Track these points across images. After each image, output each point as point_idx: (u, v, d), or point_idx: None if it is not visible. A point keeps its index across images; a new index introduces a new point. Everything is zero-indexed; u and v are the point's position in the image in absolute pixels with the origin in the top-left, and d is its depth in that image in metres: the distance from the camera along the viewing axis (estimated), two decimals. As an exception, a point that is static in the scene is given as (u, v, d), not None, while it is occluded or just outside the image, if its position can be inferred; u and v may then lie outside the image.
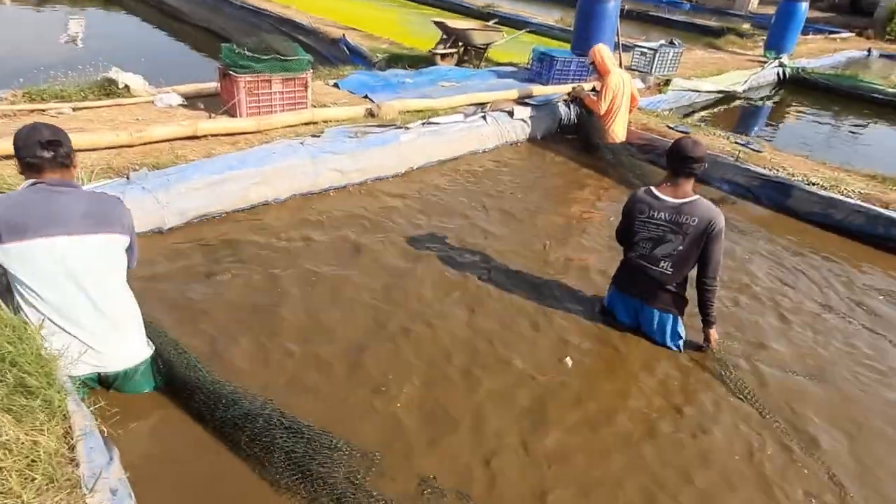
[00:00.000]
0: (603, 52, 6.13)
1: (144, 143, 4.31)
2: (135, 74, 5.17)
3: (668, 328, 3.27)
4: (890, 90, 11.32)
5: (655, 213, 3.10)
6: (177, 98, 5.13)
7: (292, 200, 4.46)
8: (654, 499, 2.43)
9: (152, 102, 5.05)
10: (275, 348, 2.97)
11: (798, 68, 12.16)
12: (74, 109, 4.66)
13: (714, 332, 3.30)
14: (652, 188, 3.18)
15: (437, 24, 8.18)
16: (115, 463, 1.96)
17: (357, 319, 3.27)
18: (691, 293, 3.25)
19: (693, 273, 3.21)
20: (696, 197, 3.09)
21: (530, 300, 3.63)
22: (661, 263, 3.14)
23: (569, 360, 3.14)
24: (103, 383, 2.55)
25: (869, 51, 16.86)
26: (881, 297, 4.21)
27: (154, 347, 2.61)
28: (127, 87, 5.07)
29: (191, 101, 5.23)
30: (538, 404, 2.85)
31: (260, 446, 2.34)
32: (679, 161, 3.06)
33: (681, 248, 3.07)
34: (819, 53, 14.32)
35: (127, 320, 2.49)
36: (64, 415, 2.06)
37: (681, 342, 3.30)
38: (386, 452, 2.45)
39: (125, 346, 2.49)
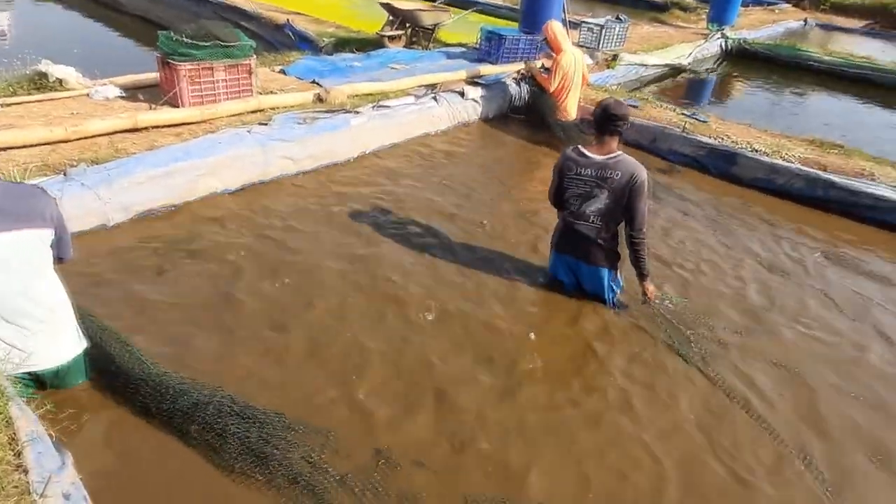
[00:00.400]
0: (556, 28, 6.14)
1: (82, 138, 4.13)
2: (67, 67, 4.93)
3: (605, 283, 3.43)
4: (827, 58, 11.73)
5: (582, 170, 3.24)
6: (114, 90, 4.93)
7: (242, 191, 4.36)
8: (613, 461, 2.51)
9: (88, 95, 4.83)
10: (232, 341, 2.92)
11: (740, 40, 12.46)
12: (3, 105, 4.42)
13: (650, 286, 3.44)
14: (580, 147, 3.32)
15: (384, 5, 8.05)
16: (69, 467, 1.89)
17: (316, 306, 3.24)
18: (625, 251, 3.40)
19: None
20: (620, 153, 3.24)
21: (489, 275, 3.68)
22: (591, 219, 3.29)
23: (532, 335, 3.19)
24: (38, 382, 2.46)
25: (805, 21, 17.42)
26: (817, 255, 4.42)
27: (87, 342, 2.54)
28: (60, 80, 4.83)
29: (130, 92, 5.03)
30: (500, 376, 2.89)
31: (212, 434, 2.32)
32: (605, 120, 3.20)
33: (607, 202, 3.22)
34: (759, 25, 14.72)
35: (55, 318, 2.39)
36: (7, 421, 1.99)
37: (613, 296, 3.47)
38: (345, 430, 2.47)
39: (55, 344, 2.41)
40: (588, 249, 3.37)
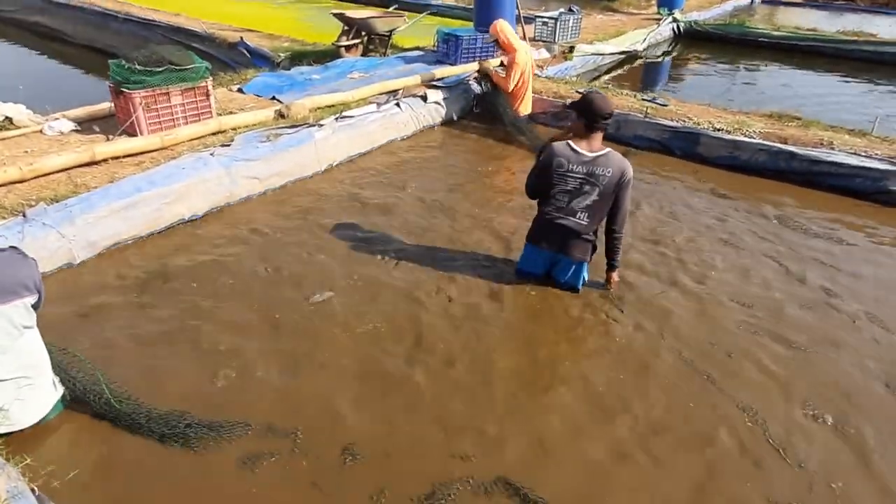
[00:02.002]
0: (505, 28, 6.13)
1: (38, 176, 4.00)
2: (16, 104, 4.79)
3: (581, 274, 3.50)
4: (775, 33, 12.03)
5: (574, 167, 3.21)
6: (68, 124, 4.79)
7: (211, 215, 4.27)
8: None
9: (41, 132, 4.69)
10: (217, 370, 2.85)
11: (690, 22, 12.71)
12: (-48, 150, 4.27)
13: (616, 276, 3.56)
14: (569, 143, 3.27)
15: (337, 15, 8.00)
16: (53, 521, 1.83)
17: (295, 323, 3.19)
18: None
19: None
20: (608, 149, 3.24)
21: (462, 273, 3.67)
22: (579, 215, 3.29)
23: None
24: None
25: (751, -2, 17.86)
26: (775, 221, 4.56)
27: (63, 389, 2.50)
28: (9, 118, 4.69)
29: (84, 125, 4.90)
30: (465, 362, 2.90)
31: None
32: (596, 117, 3.17)
33: (596, 198, 3.22)
34: (708, 5, 15.03)
35: (33, 377, 2.35)
36: (-14, 480, 1.91)
37: (581, 283, 3.54)
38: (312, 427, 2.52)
39: (33, 402, 2.37)
40: (572, 244, 3.36)
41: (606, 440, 2.57)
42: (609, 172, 3.17)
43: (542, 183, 3.34)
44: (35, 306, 2.35)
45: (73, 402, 2.55)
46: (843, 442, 2.60)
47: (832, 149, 5.20)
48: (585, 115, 3.20)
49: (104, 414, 2.51)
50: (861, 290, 3.71)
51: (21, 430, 2.38)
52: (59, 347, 2.67)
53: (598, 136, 3.24)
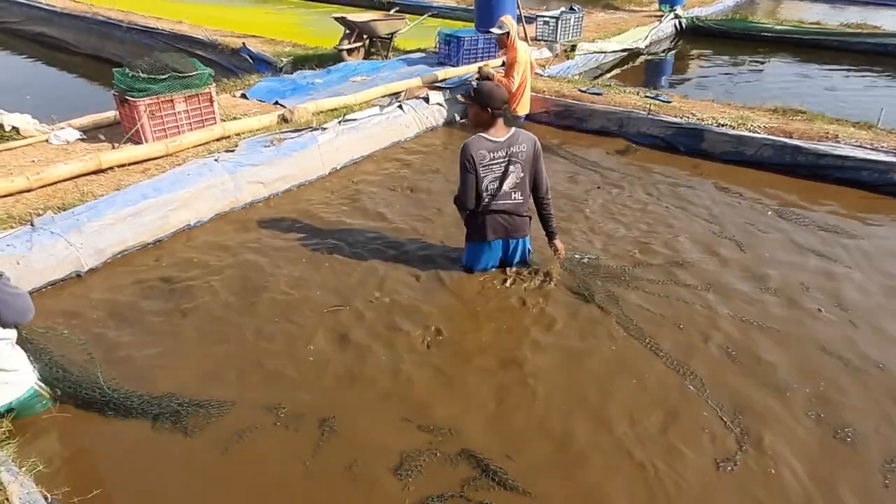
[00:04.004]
0: (512, 27, 6.11)
1: (45, 185, 4.04)
2: (22, 114, 4.82)
3: (526, 248, 3.69)
4: (778, 27, 11.97)
5: (495, 154, 3.36)
6: (74, 133, 4.83)
7: (216, 220, 4.29)
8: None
9: (47, 141, 4.73)
10: (237, 372, 2.87)
11: (692, 18, 12.66)
12: (-40, 161, 4.31)
13: (560, 243, 3.72)
14: (481, 135, 3.39)
15: (338, 19, 8.02)
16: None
17: (313, 332, 3.20)
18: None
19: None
20: (513, 128, 3.43)
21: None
22: (513, 195, 3.45)
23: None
24: None
25: (754, -8, 17.77)
26: (779, 217, 4.50)
27: (36, 374, 2.57)
28: (15, 128, 4.73)
29: (90, 133, 4.93)
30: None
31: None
32: (498, 103, 3.33)
33: (522, 174, 3.42)
34: (710, 1, 14.95)
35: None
36: (-2, 486, 1.93)
37: (529, 254, 3.73)
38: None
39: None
40: (514, 224, 3.54)
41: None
42: (525, 147, 3.38)
43: (473, 182, 3.39)
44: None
45: (70, 397, 2.63)
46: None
47: (838, 142, 5.17)
48: (490, 104, 3.33)
49: (99, 403, 2.60)
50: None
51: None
52: (55, 332, 2.82)
53: (501, 120, 3.39)
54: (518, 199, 3.47)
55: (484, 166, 3.35)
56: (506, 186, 3.41)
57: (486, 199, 3.43)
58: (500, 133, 3.37)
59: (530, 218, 3.60)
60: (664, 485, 2.34)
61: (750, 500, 2.29)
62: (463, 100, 3.60)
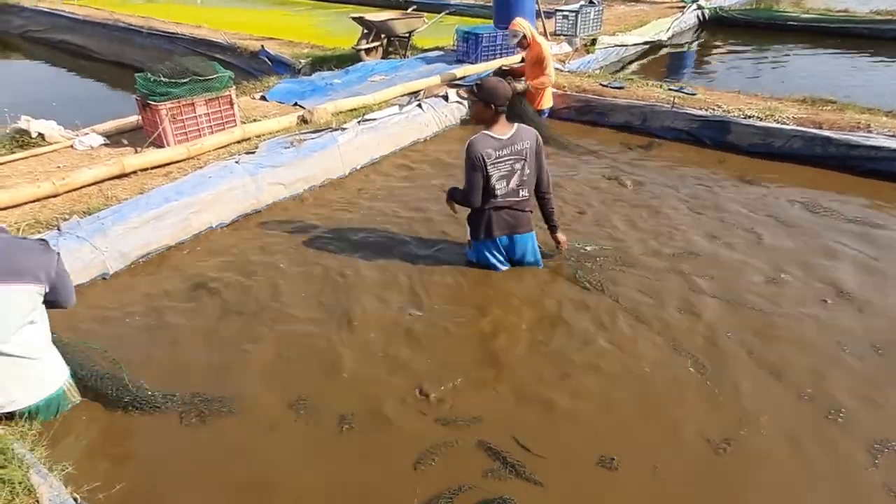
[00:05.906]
0: (526, 25, 6.01)
1: (70, 191, 4.08)
2: (48, 121, 4.89)
3: (534, 244, 3.64)
4: (804, 16, 11.70)
5: (502, 151, 3.31)
6: (97, 138, 4.88)
7: (238, 222, 4.30)
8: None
9: (72, 147, 4.79)
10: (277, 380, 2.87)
11: (716, 8, 12.43)
12: (-13, 168, 4.38)
13: (562, 235, 3.72)
14: (486, 132, 3.33)
15: (356, 19, 8.02)
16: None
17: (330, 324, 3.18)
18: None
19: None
20: (515, 124, 3.38)
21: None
22: (520, 192, 3.43)
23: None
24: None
25: (778, -19, 17.38)
26: (797, 206, 4.36)
27: (68, 370, 2.60)
28: (41, 135, 4.80)
29: (113, 138, 4.99)
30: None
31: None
32: (503, 100, 3.29)
33: (528, 170, 3.39)
34: (732, -9, 14.67)
35: (34, 363, 2.41)
36: (28, 490, 1.93)
37: (539, 255, 3.67)
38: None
39: (34, 384, 2.44)
40: (520, 220, 3.52)
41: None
42: (528, 144, 3.34)
43: (480, 181, 3.35)
44: (52, 303, 2.42)
45: (97, 396, 2.66)
46: None
47: (870, 132, 5.01)
48: (494, 101, 3.28)
49: (126, 404, 2.61)
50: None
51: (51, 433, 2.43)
52: (81, 342, 2.83)
53: (503, 116, 3.35)
54: (524, 196, 3.45)
55: (492, 164, 3.31)
56: (514, 183, 3.38)
57: (497, 197, 3.39)
58: (503, 130, 3.33)
59: (531, 212, 3.57)
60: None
61: None
62: (466, 96, 3.56)
